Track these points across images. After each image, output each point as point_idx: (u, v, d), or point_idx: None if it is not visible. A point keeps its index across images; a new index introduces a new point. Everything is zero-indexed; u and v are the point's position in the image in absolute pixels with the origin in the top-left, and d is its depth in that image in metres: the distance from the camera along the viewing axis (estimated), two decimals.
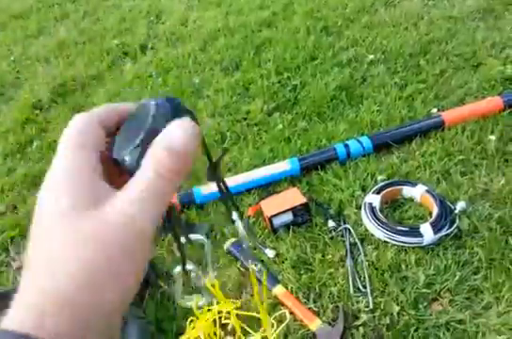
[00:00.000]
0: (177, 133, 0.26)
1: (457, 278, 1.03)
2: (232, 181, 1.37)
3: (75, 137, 0.28)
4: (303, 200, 1.22)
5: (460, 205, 1.18)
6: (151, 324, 1.03)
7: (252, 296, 1.08)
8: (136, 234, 0.25)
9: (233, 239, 1.20)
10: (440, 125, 1.43)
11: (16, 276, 1.29)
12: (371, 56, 1.86)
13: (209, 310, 1.01)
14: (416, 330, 0.96)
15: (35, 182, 1.61)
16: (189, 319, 1.01)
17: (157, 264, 1.16)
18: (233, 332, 0.98)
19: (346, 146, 1.41)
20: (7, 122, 1.97)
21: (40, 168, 1.67)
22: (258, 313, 1.01)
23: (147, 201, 0.25)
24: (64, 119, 1.93)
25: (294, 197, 1.25)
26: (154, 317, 1.04)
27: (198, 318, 0.99)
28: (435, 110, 1.54)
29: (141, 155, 0.27)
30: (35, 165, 1.71)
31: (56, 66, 2.31)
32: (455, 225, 1.13)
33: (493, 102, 1.47)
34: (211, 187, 1.35)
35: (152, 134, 0.27)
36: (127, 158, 0.28)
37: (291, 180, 1.38)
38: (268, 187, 1.38)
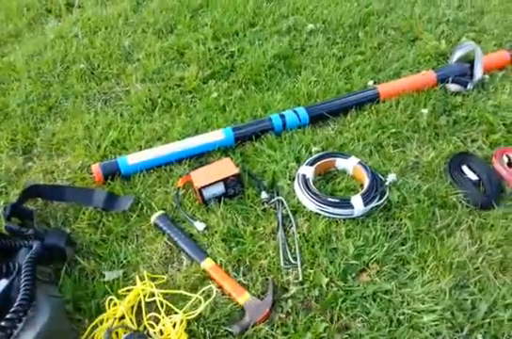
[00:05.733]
0: None
1: (385, 249, 1.04)
2: (163, 150, 1.28)
3: None
4: (235, 170, 1.17)
5: (391, 177, 1.19)
6: (67, 303, 0.95)
7: (179, 271, 1.03)
8: None
9: (160, 212, 1.13)
10: (375, 98, 1.43)
11: None
12: (311, 26, 1.81)
13: (129, 290, 0.95)
14: (344, 302, 0.96)
15: None
16: (108, 298, 0.94)
17: (73, 238, 1.07)
18: (157, 311, 0.92)
19: (282, 116, 1.37)
20: None
21: None
22: (184, 289, 0.96)
23: None
24: None
25: (226, 167, 1.19)
26: (72, 296, 0.96)
27: (118, 298, 0.93)
28: (371, 83, 1.53)
29: None
30: None
31: None
32: (385, 197, 1.14)
33: (427, 76, 1.48)
34: (138, 157, 1.26)
35: None
36: None
37: (224, 150, 1.32)
38: (201, 158, 1.31)
